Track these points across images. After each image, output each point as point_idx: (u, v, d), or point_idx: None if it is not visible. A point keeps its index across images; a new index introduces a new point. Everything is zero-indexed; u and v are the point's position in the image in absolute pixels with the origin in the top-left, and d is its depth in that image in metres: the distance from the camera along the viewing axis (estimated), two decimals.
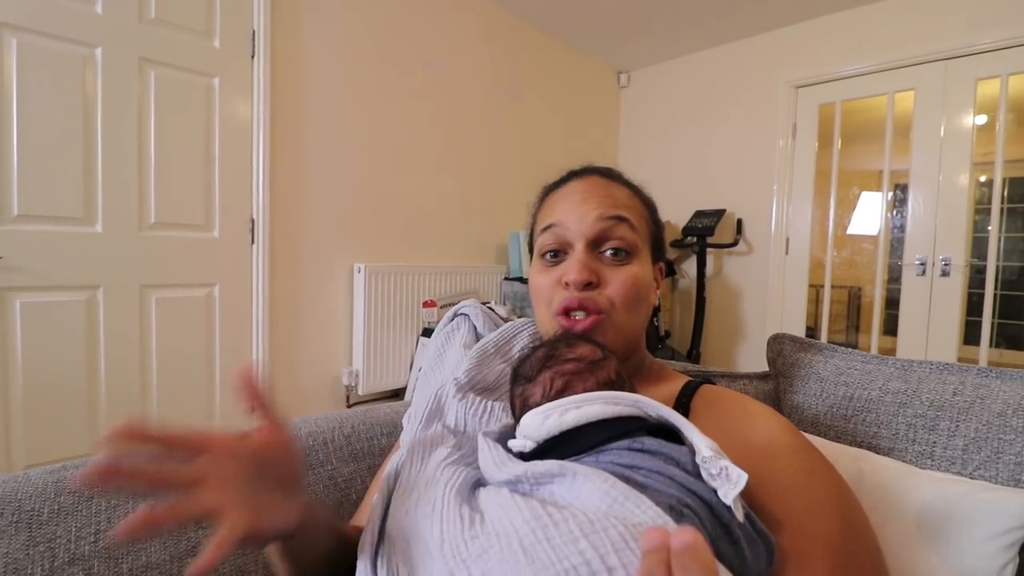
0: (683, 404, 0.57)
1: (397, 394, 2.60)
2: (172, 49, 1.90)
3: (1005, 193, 2.61)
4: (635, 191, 0.65)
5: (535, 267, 0.64)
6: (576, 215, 0.60)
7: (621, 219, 0.59)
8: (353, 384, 2.44)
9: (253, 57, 2.08)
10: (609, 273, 0.59)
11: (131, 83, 1.82)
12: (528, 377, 0.53)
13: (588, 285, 0.58)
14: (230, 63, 2.04)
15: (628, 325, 0.60)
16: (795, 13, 2.92)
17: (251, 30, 2.07)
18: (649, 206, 0.65)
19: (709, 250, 3.30)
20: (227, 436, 0.38)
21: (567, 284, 0.59)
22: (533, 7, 2.96)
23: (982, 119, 2.68)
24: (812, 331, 3.34)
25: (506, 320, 0.81)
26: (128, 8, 1.80)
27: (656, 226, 0.65)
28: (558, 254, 0.62)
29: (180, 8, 1.91)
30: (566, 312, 0.59)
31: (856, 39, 2.84)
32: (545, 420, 0.46)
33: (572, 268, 0.58)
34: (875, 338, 2.94)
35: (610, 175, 0.65)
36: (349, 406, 2.46)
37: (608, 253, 0.59)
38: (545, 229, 0.62)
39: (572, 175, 0.66)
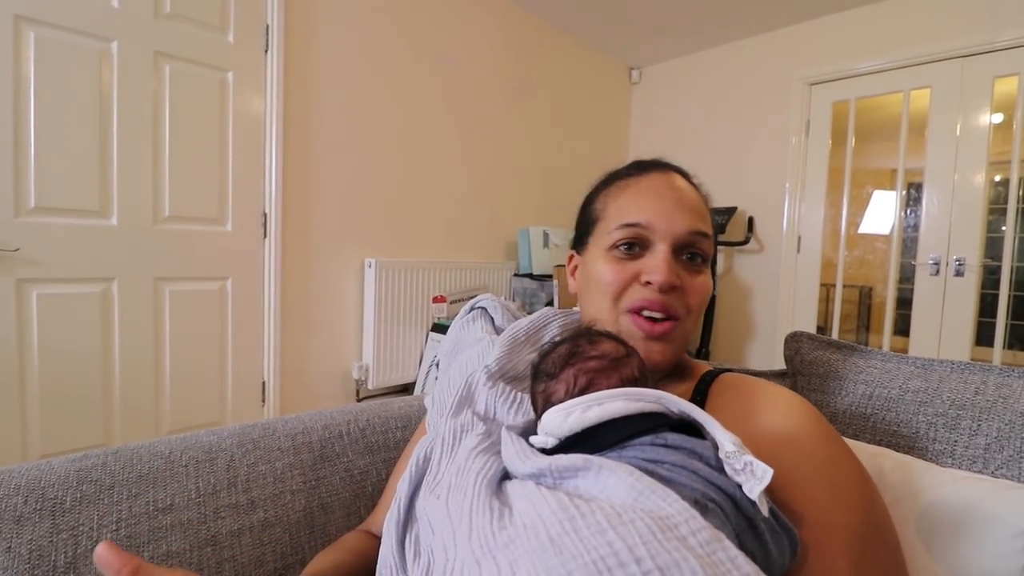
0: (700, 392, 0.57)
1: (406, 389, 2.61)
2: (187, 43, 1.91)
3: (1021, 193, 2.56)
4: (702, 195, 0.64)
5: (602, 257, 0.60)
6: (666, 221, 0.57)
7: (706, 235, 0.59)
8: (363, 378, 2.45)
9: (267, 52, 2.09)
10: (687, 279, 0.57)
11: (146, 77, 1.83)
12: (550, 374, 0.53)
13: (672, 289, 0.56)
14: (244, 58, 2.05)
15: (691, 332, 0.60)
16: (810, 9, 2.90)
17: (265, 25, 2.08)
18: (709, 208, 0.65)
19: (720, 248, 3.28)
20: None
21: (648, 283, 0.56)
22: (545, 3, 2.95)
23: (998, 117, 2.65)
24: (822, 330, 3.32)
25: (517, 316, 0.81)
26: (144, 2, 1.81)
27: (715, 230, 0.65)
28: (634, 247, 0.58)
29: (195, 2, 1.92)
30: (640, 311, 0.57)
31: (872, 36, 2.81)
32: (567, 417, 0.46)
33: (660, 269, 0.55)
34: (887, 338, 2.92)
35: (686, 176, 0.64)
36: (359, 400, 2.47)
37: (686, 258, 0.58)
38: (626, 226, 0.58)
39: (652, 166, 0.64)
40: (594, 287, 0.61)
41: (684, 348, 0.61)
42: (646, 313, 0.57)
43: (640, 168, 0.63)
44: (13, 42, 1.60)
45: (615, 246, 0.59)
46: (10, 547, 0.54)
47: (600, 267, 0.60)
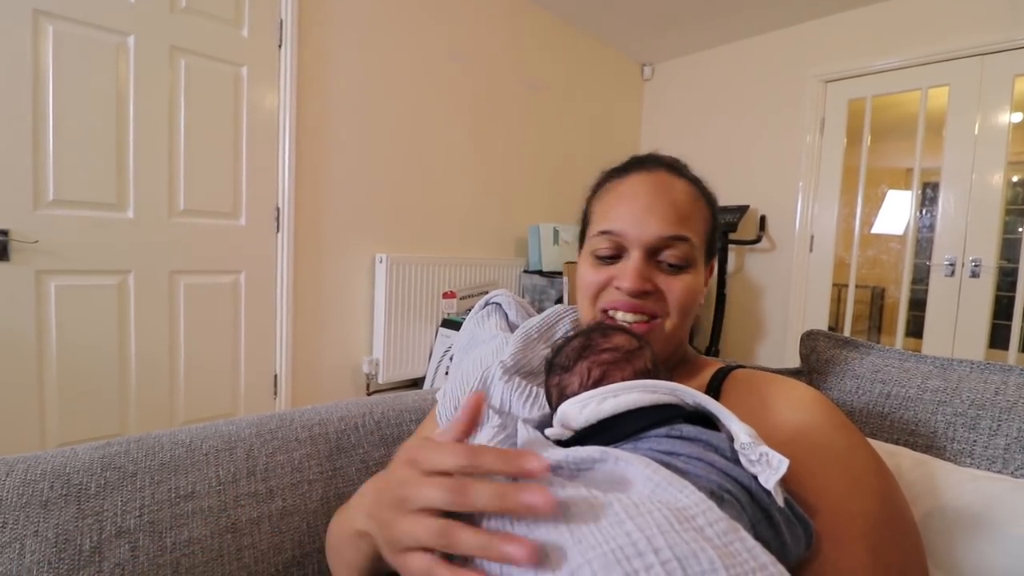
0: (713, 388, 0.57)
1: (416, 383, 2.62)
2: (202, 38, 1.92)
3: None
4: (699, 188, 0.63)
5: (585, 262, 0.63)
6: (636, 228, 0.58)
7: (682, 239, 0.58)
8: (373, 373, 2.46)
9: (280, 47, 2.10)
10: (664, 282, 0.58)
11: (162, 71, 1.85)
12: (565, 367, 0.53)
13: (643, 294, 0.57)
14: (258, 52, 2.06)
15: (677, 333, 0.60)
16: (826, 5, 2.86)
17: (279, 20, 2.09)
18: (711, 203, 0.64)
19: (731, 246, 3.26)
20: None
21: (619, 288, 0.58)
22: None
23: (1018, 117, 2.61)
24: (833, 330, 3.29)
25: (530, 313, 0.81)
26: None
27: (715, 226, 0.63)
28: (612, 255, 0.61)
29: None
30: (608, 311, 0.59)
31: (889, 33, 2.78)
32: (583, 409, 0.46)
33: (628, 276, 0.57)
34: (899, 339, 2.89)
35: (675, 169, 0.63)
36: (369, 394, 2.49)
37: (665, 263, 0.59)
38: (602, 234, 0.61)
39: (637, 165, 0.64)
40: (579, 287, 0.64)
41: (674, 347, 0.61)
42: (619, 315, 0.58)
43: (628, 168, 0.64)
44: (32, 36, 1.61)
45: (595, 251, 0.61)
46: (37, 531, 0.55)
47: (583, 269, 0.63)
